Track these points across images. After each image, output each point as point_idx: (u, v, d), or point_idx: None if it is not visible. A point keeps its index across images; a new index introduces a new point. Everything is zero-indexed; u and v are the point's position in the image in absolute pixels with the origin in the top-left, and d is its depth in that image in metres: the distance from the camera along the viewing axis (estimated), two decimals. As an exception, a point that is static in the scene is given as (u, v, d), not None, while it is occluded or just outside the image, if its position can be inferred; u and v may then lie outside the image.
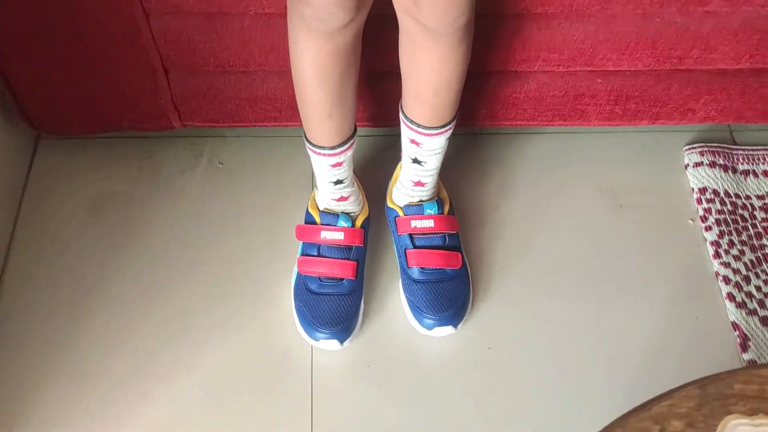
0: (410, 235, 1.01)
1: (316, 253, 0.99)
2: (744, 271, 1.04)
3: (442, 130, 0.89)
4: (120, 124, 1.07)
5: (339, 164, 0.93)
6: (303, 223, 1.02)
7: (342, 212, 0.99)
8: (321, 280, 0.98)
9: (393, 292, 1.03)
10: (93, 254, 1.05)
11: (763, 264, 1.05)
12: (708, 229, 1.09)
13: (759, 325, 1.00)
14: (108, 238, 1.07)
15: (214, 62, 0.98)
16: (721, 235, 1.08)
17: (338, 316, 0.96)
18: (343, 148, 0.91)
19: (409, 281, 1.00)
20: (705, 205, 1.10)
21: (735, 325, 1.00)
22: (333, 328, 0.95)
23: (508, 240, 1.08)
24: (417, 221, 1.00)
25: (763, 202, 1.11)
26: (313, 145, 0.91)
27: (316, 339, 0.96)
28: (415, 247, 1.00)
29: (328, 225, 0.99)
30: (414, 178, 0.98)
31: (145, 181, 1.12)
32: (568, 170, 1.15)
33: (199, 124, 1.08)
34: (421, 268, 0.99)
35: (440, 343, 1.00)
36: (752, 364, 0.98)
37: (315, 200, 1.02)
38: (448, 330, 0.98)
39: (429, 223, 1.00)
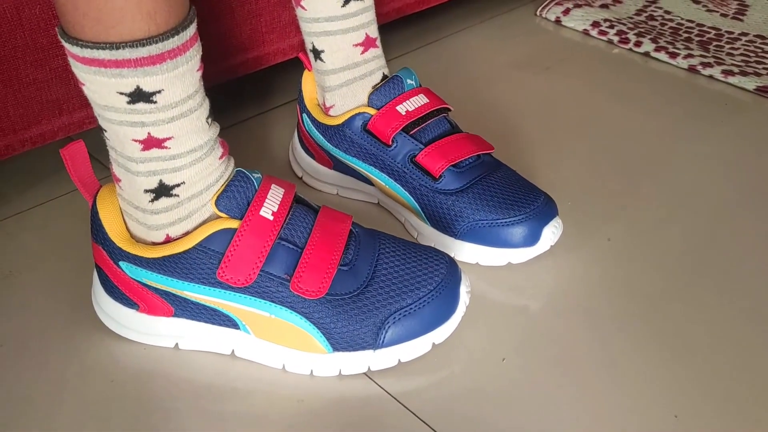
0: (405, 133, 0.57)
1: (294, 255, 0.46)
2: (708, 54, 0.85)
3: None
4: None
5: (201, 66, 0.44)
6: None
7: (236, 170, 0.47)
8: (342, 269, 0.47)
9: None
10: None
11: (703, 37, 0.88)
12: (638, 44, 0.88)
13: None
14: None
15: None
16: (655, 40, 0.88)
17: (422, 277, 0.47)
18: (194, 28, 0.42)
19: (448, 203, 0.55)
20: (610, 30, 0.90)
21: (762, 89, 0.79)
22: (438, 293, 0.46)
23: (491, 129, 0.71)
24: (405, 103, 0.57)
25: (636, 8, 0.96)
26: (156, 41, 0.40)
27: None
28: (425, 144, 0.57)
29: (254, 202, 0.46)
30: (357, 37, 0.56)
31: None
32: (481, 64, 0.84)
33: None
34: (454, 165, 0.56)
35: (557, 258, 0.56)
36: None
37: (138, 227, 0.47)
38: (555, 227, 0.56)
39: (422, 99, 0.58)
